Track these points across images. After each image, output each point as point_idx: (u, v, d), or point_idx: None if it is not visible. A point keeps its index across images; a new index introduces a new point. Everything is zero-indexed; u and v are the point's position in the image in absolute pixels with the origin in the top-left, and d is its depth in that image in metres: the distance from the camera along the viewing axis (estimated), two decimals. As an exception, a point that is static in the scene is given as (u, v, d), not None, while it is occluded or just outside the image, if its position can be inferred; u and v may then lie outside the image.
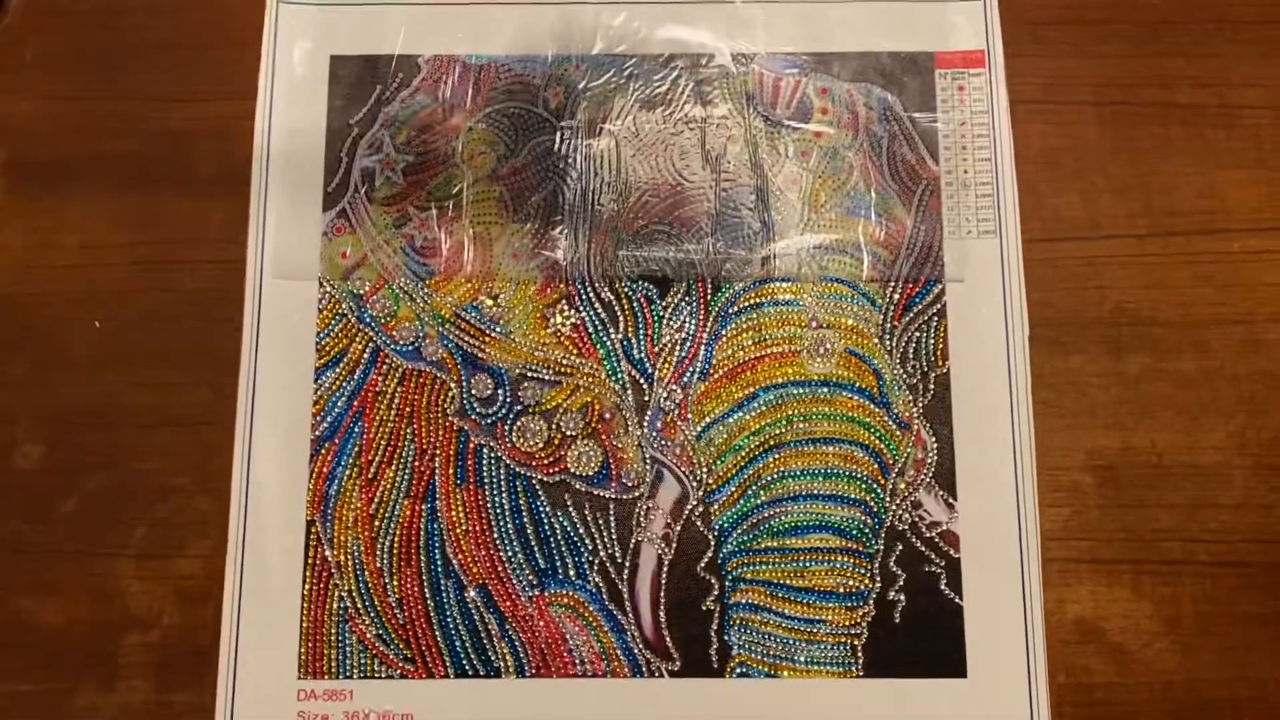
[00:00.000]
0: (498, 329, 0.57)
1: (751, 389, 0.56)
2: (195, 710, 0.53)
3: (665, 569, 0.54)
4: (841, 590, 0.54)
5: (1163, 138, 0.58)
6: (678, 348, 0.56)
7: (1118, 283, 0.57)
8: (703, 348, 0.56)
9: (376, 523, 0.55)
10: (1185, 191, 0.58)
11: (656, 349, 0.56)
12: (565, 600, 0.54)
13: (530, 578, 0.54)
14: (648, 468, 0.55)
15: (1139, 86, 0.59)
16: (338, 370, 0.56)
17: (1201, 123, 0.58)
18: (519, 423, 0.56)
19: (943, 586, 0.54)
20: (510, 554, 0.54)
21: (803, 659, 0.53)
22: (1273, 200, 0.57)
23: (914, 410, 0.56)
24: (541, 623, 0.54)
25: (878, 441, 0.55)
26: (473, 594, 0.54)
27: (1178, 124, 0.59)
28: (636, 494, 0.55)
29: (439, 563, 0.54)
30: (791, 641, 0.54)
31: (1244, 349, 0.56)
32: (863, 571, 0.54)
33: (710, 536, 0.55)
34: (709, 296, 0.57)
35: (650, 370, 0.56)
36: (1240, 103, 0.59)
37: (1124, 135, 0.58)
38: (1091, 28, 0.60)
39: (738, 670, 0.53)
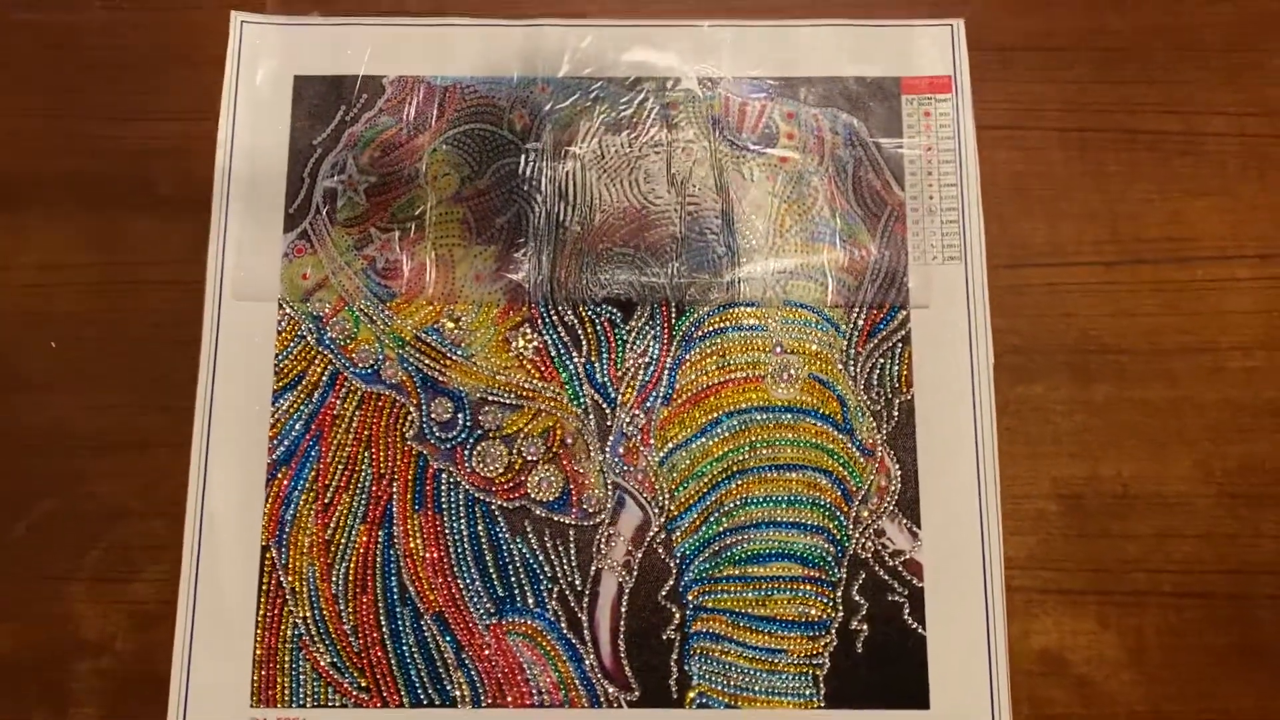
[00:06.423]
0: (459, 352, 0.56)
1: (715, 414, 0.55)
2: (146, 739, 0.52)
3: (625, 597, 0.54)
4: (803, 619, 0.53)
5: (1129, 164, 0.58)
6: (641, 372, 0.56)
7: (1083, 310, 0.56)
8: (666, 372, 0.56)
9: (332, 548, 0.54)
10: (1151, 219, 0.58)
11: (620, 373, 0.56)
12: (523, 629, 0.53)
13: (488, 605, 0.53)
14: (609, 494, 0.55)
15: (1105, 113, 0.59)
16: (296, 393, 0.55)
17: (1167, 149, 0.58)
18: (479, 447, 0.55)
19: (906, 616, 0.53)
20: (468, 581, 0.54)
21: (763, 689, 0.53)
22: (1237, 228, 0.57)
23: (878, 437, 0.55)
24: (499, 652, 0.53)
25: (841, 468, 0.55)
26: (429, 622, 0.53)
27: (1144, 150, 0.58)
28: (597, 520, 0.54)
29: (395, 589, 0.54)
30: (752, 671, 0.53)
31: (1209, 377, 0.56)
32: (825, 600, 0.53)
33: (672, 564, 0.54)
34: (673, 320, 0.56)
35: (613, 394, 0.56)
36: (1206, 130, 0.58)
37: (1090, 161, 0.58)
38: (1058, 54, 0.60)
39: (698, 700, 0.53)
